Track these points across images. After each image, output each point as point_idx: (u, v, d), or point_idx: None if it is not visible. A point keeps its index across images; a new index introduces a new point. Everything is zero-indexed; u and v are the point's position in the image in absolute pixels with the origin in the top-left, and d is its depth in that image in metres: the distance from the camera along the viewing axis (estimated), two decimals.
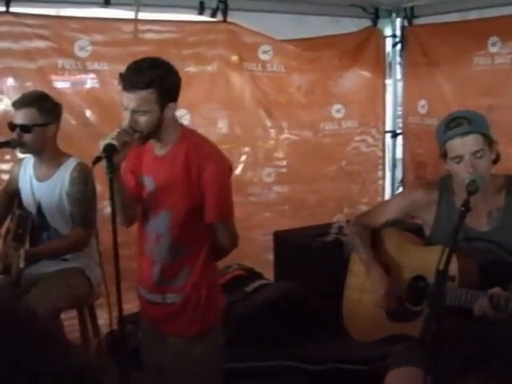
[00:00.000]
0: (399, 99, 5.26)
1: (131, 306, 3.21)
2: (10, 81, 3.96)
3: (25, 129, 3.07)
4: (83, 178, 3.13)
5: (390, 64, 5.21)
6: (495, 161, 2.43)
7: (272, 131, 4.85)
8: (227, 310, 2.69)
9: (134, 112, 2.29)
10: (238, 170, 4.62)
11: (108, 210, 2.69)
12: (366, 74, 5.10)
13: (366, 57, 5.01)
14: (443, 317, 1.92)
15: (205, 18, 4.35)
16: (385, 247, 2.69)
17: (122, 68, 2.36)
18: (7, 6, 3.76)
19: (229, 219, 2.48)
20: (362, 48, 4.98)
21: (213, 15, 4.34)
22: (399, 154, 5.39)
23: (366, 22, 4.98)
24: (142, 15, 4.13)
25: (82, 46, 4.00)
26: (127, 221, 2.56)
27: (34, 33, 3.90)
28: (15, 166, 3.38)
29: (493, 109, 4.04)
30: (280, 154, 4.91)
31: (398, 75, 5.22)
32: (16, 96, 3.30)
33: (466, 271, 2.32)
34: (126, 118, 2.32)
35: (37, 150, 3.17)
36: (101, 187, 3.34)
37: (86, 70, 4.07)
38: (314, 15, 4.69)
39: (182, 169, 2.38)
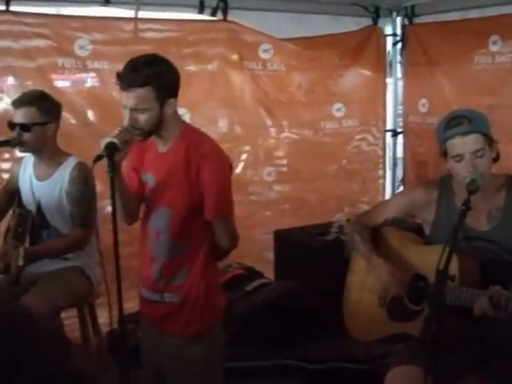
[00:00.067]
0: (400, 98, 5.26)
1: (132, 304, 3.20)
2: (10, 80, 3.96)
3: (24, 128, 3.07)
4: (83, 177, 3.13)
5: (391, 63, 5.20)
6: (495, 160, 2.43)
7: (272, 130, 4.84)
8: (227, 309, 2.68)
9: (133, 110, 2.29)
10: (238, 169, 4.62)
11: (109, 208, 2.68)
12: (367, 72, 5.10)
13: (366, 56, 5.01)
14: (443, 316, 1.92)
15: (205, 16, 4.34)
16: (385, 246, 2.69)
17: (123, 67, 2.35)
18: (7, 4, 3.75)
19: (228, 218, 2.48)
20: (363, 47, 4.98)
21: (213, 14, 4.34)
22: (400, 153, 5.38)
23: (366, 21, 4.98)
24: (142, 14, 4.13)
25: (82, 44, 3.99)
26: (128, 218, 2.55)
27: (34, 32, 3.89)
28: (15, 165, 3.38)
29: (493, 108, 4.03)
30: (280, 153, 4.91)
31: (399, 74, 5.22)
32: (16, 95, 3.30)
33: (466, 271, 2.32)
34: (126, 117, 2.31)
35: (36, 149, 3.17)
36: (101, 186, 3.34)
37: (86, 69, 4.06)
38: (315, 14, 4.69)
39: (182, 166, 2.38)
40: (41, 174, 3.22)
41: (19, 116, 3.08)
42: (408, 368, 2.32)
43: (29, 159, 3.28)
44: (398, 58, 5.15)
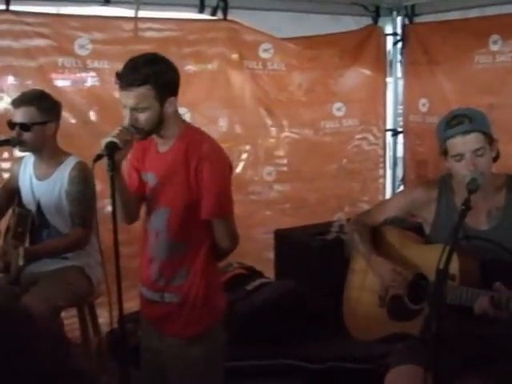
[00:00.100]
0: (400, 97, 5.26)
1: (132, 304, 3.20)
2: (11, 79, 3.96)
3: (24, 127, 3.07)
4: (82, 177, 3.13)
5: (391, 62, 5.20)
6: (495, 159, 2.43)
7: (272, 130, 4.85)
8: (228, 308, 2.68)
9: (133, 110, 2.29)
10: (238, 169, 4.62)
11: (108, 208, 2.68)
12: (367, 72, 5.10)
13: (366, 55, 5.01)
14: (444, 315, 1.91)
15: (205, 16, 4.34)
16: (385, 246, 2.69)
17: (122, 66, 2.35)
18: (7, 4, 3.76)
19: (228, 218, 2.47)
20: (363, 46, 4.98)
21: (213, 13, 4.34)
22: (400, 152, 5.38)
23: (366, 20, 4.98)
24: (142, 13, 4.13)
25: (82, 44, 3.99)
26: (128, 218, 2.55)
27: (34, 31, 3.89)
28: (15, 165, 3.38)
29: (494, 107, 4.03)
30: (281, 153, 4.91)
31: (399, 73, 5.22)
32: (16, 94, 3.30)
33: (466, 270, 2.32)
34: (126, 116, 2.31)
35: (36, 149, 3.17)
36: (101, 185, 3.34)
37: (86, 69, 4.07)
38: (315, 13, 4.69)
39: (182, 165, 2.38)
40: (41, 174, 3.22)
41: (19, 115, 3.08)
42: (408, 367, 2.32)
43: (29, 159, 3.28)
44: (399, 57, 5.15)
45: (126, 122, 2.30)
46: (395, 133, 5.30)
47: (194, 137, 2.43)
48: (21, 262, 2.99)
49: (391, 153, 5.35)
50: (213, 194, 2.38)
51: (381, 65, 5.13)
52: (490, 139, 2.38)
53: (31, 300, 2.93)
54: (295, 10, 4.58)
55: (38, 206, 3.21)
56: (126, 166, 2.52)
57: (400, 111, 5.32)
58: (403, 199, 2.74)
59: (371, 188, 5.31)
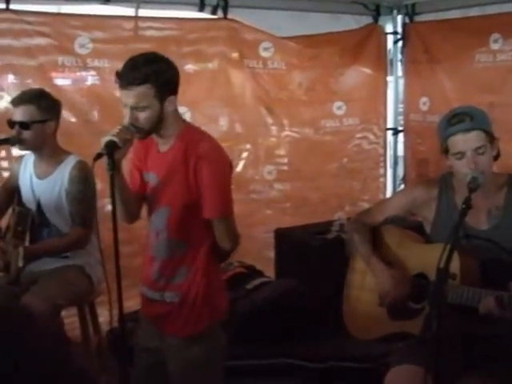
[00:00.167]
0: (400, 96, 5.25)
1: (132, 303, 3.20)
2: (11, 78, 3.97)
3: (24, 126, 3.07)
4: (83, 176, 3.12)
5: (392, 61, 5.19)
6: (495, 158, 2.42)
7: (273, 128, 4.84)
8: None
9: (133, 109, 2.29)
10: (238, 168, 4.62)
11: (108, 207, 2.68)
12: (367, 71, 5.09)
13: (367, 54, 5.00)
14: (444, 315, 1.91)
15: (205, 15, 4.34)
16: (385, 245, 2.69)
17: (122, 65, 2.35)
18: (7, 3, 3.76)
19: (228, 217, 2.46)
20: (363, 45, 4.97)
21: (213, 12, 4.34)
22: (401, 151, 5.38)
23: (367, 19, 4.97)
24: (143, 12, 4.13)
25: (83, 43, 3.99)
26: (128, 217, 2.55)
27: (35, 30, 3.90)
28: (15, 163, 3.38)
29: (494, 106, 4.03)
30: (281, 152, 4.90)
31: (400, 72, 5.21)
32: (16, 93, 3.30)
33: (467, 269, 2.31)
34: (126, 115, 2.31)
35: (36, 147, 3.17)
36: (101, 184, 3.34)
37: (86, 67, 4.07)
38: (315, 12, 4.68)
39: (181, 165, 2.38)
40: (41, 173, 3.22)
41: (18, 114, 3.08)
42: (408, 367, 2.32)
43: (29, 157, 3.28)
44: (399, 56, 5.14)
45: (126, 120, 2.30)
46: (396, 132, 5.29)
47: (193, 136, 2.43)
48: (20, 263, 2.99)
49: (392, 152, 5.35)
50: (213, 193, 2.38)
51: (381, 64, 5.12)
52: (491, 137, 2.38)
53: (31, 299, 2.93)
54: (295, 9, 4.58)
55: (38, 205, 3.21)
56: (127, 165, 2.52)
57: (400, 110, 5.31)
58: (404, 198, 2.73)
59: (372, 187, 5.31)
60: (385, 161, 5.34)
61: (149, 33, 4.20)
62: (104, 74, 4.08)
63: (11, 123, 3.09)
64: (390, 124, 5.29)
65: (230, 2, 4.32)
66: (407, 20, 4.99)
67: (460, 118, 2.35)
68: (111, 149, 2.21)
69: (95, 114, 4.14)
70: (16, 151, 3.44)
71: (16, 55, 3.87)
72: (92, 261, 3.26)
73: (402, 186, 5.26)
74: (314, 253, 4.09)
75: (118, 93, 2.36)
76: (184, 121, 2.52)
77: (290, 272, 4.12)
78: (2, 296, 3.03)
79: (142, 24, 4.16)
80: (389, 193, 5.32)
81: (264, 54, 4.61)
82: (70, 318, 3.56)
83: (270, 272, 4.28)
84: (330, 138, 5.04)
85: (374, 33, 5.01)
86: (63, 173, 3.17)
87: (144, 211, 2.59)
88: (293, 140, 4.90)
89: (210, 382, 2.56)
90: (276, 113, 4.78)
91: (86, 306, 3.40)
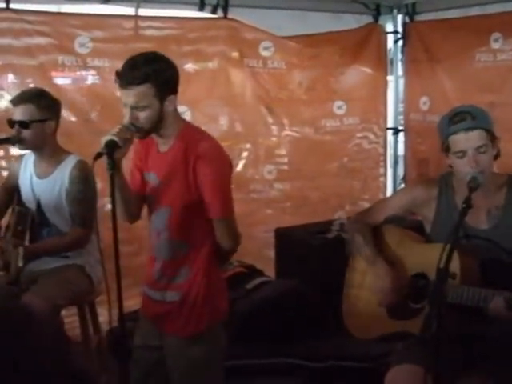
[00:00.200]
0: (401, 96, 5.24)
1: (132, 302, 3.21)
2: (11, 77, 3.97)
3: (23, 125, 3.07)
4: (83, 176, 3.12)
5: (392, 60, 5.19)
6: (495, 157, 2.42)
7: (273, 128, 4.84)
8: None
9: (133, 108, 2.28)
10: (239, 167, 4.62)
11: (108, 206, 2.68)
12: (368, 70, 5.09)
13: (367, 53, 5.00)
14: (444, 315, 1.91)
15: (205, 14, 4.34)
16: (385, 244, 2.68)
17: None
18: (7, 2, 3.76)
19: (228, 217, 2.46)
20: (364, 44, 4.97)
21: (213, 11, 4.33)
22: (401, 150, 5.37)
23: (367, 19, 4.97)
24: (143, 11, 4.14)
25: (83, 42, 3.99)
26: (129, 217, 2.55)
27: (35, 29, 3.90)
28: (16, 163, 3.38)
29: (495, 105, 4.02)
30: (281, 151, 4.90)
31: (400, 72, 5.21)
32: (16, 93, 3.30)
33: (467, 269, 2.31)
34: (126, 115, 2.31)
35: (36, 147, 3.17)
36: (101, 184, 3.34)
37: (86, 67, 4.07)
38: (315, 11, 4.68)
39: (181, 165, 2.37)
40: (41, 172, 3.22)
41: (18, 113, 3.08)
42: (408, 367, 2.32)
43: (29, 157, 3.27)
44: (399, 55, 5.14)
45: (126, 120, 2.30)
46: (396, 131, 5.29)
47: (193, 136, 2.42)
48: (20, 263, 2.98)
49: (392, 151, 5.35)
50: (214, 193, 2.38)
51: (381, 63, 5.12)
52: (492, 137, 2.37)
53: (31, 298, 2.93)
54: (295, 8, 4.58)
55: (38, 205, 3.21)
56: (128, 165, 2.52)
57: (401, 109, 5.31)
58: (404, 197, 2.73)
59: (372, 186, 5.30)
60: (385, 160, 5.34)
61: (149, 32, 4.19)
62: (104, 73, 4.07)
63: (11, 123, 3.09)
64: (390, 123, 5.29)
65: (230, 2, 4.32)
66: (407, 19, 4.99)
67: (462, 117, 2.35)
68: (111, 148, 2.21)
69: (95, 114, 4.14)
70: (14, 150, 3.43)
71: (16, 55, 3.87)
72: (92, 260, 3.25)
73: (403, 186, 5.25)
74: (314, 252, 4.09)
75: (118, 92, 2.37)
76: (183, 120, 2.52)
77: (290, 272, 4.12)
78: (2, 295, 3.02)
79: (141, 23, 4.16)
80: (389, 192, 5.32)
81: (264, 54, 4.60)
82: (70, 318, 3.57)
83: (270, 271, 4.27)
84: (330, 137, 5.04)
85: (374, 32, 5.01)
86: (63, 172, 3.16)
87: (145, 211, 2.59)
88: (293, 139, 4.89)
89: (211, 381, 2.56)
90: (276, 112, 4.78)
91: (86, 305, 3.40)
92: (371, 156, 5.26)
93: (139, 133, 2.33)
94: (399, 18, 5.05)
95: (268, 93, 4.71)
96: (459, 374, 2.28)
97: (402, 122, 5.30)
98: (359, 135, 5.16)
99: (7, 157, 3.80)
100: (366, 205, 4.81)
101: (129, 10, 4.10)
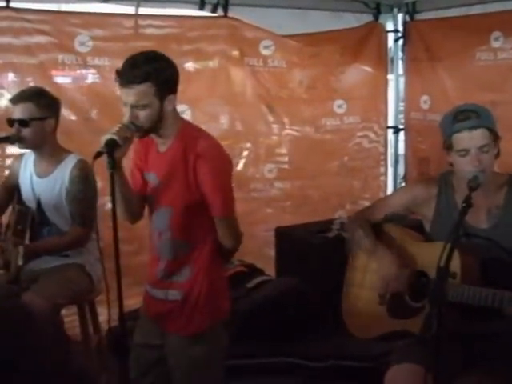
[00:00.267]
0: (401, 94, 5.24)
1: (133, 301, 3.21)
2: (11, 76, 3.97)
3: (22, 123, 3.07)
4: (83, 176, 3.11)
5: (392, 59, 5.19)
6: (495, 156, 2.42)
7: (274, 127, 4.84)
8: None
9: (133, 107, 2.28)
10: (239, 166, 4.62)
11: (109, 205, 2.68)
12: (368, 69, 5.09)
13: (367, 52, 5.00)
14: (444, 314, 1.91)
15: (205, 13, 4.34)
16: (385, 243, 2.68)
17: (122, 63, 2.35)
18: (7, 1, 3.76)
19: (230, 216, 2.46)
20: (364, 43, 4.97)
21: (213, 10, 4.33)
22: (401, 149, 5.37)
23: (367, 17, 4.97)
24: (143, 10, 4.13)
25: (83, 41, 3.99)
26: (131, 217, 2.55)
27: (35, 28, 3.90)
28: (16, 162, 3.38)
29: (495, 104, 4.01)
30: (282, 150, 4.90)
31: (400, 70, 5.21)
32: (17, 91, 3.30)
33: (468, 268, 2.30)
34: (126, 114, 2.31)
35: (36, 145, 3.16)
36: (101, 183, 3.34)
37: (86, 66, 4.07)
38: (316, 10, 4.68)
39: (180, 164, 2.37)
40: (41, 171, 3.21)
41: (17, 112, 3.08)
42: (408, 366, 2.31)
43: (29, 156, 3.27)
44: (400, 54, 5.13)
45: (126, 119, 2.30)
46: (396, 130, 5.29)
47: (191, 135, 2.42)
48: (20, 262, 2.98)
49: (392, 150, 5.35)
50: (214, 192, 2.38)
51: (382, 62, 5.12)
52: (494, 136, 2.37)
53: (31, 297, 2.92)
54: (296, 7, 4.58)
55: (38, 204, 3.20)
56: (129, 164, 2.52)
57: (401, 108, 5.30)
58: (404, 196, 2.73)
59: (372, 186, 5.30)
60: (385, 159, 5.34)
61: (149, 31, 4.19)
62: (104, 72, 4.07)
63: (10, 121, 3.09)
64: (390, 122, 5.29)
65: (230, 0, 4.32)
66: (408, 18, 4.99)
67: (466, 115, 2.35)
68: (111, 147, 2.21)
69: (95, 113, 4.14)
70: (10, 149, 3.43)
71: (16, 53, 3.87)
72: (92, 259, 3.25)
73: (403, 185, 5.25)
74: (314, 251, 4.09)
75: (118, 91, 2.36)
76: (182, 120, 2.52)
77: (291, 270, 4.12)
78: (2, 295, 3.02)
79: (142, 22, 4.16)
80: (389, 191, 5.31)
81: (264, 52, 4.60)
82: (70, 317, 3.56)
83: (270, 270, 4.27)
84: (330, 136, 5.03)
85: (374, 31, 5.00)
86: (64, 172, 3.16)
87: (145, 211, 2.59)
88: (293, 138, 4.89)
89: (211, 381, 2.56)
90: (276, 111, 4.78)
91: (86, 304, 3.40)
92: (372, 155, 5.26)
93: (139, 132, 2.32)
94: (399, 16, 5.04)
95: (268, 92, 4.71)
96: (459, 373, 2.28)
97: (403, 120, 5.30)
98: (360, 134, 5.16)
99: (2, 156, 3.79)
100: (367, 204, 4.78)
101: (129, 9, 4.10)
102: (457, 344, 2.29)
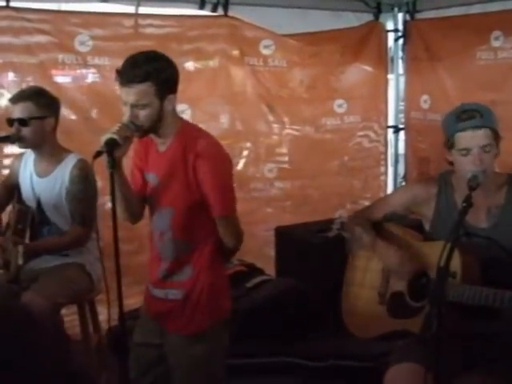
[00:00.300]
0: (401, 94, 5.24)
1: (133, 301, 3.22)
2: (11, 75, 3.97)
3: (22, 122, 3.07)
4: (83, 176, 3.11)
5: (393, 59, 5.19)
6: (495, 156, 2.42)
7: (274, 126, 4.83)
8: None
9: (133, 106, 2.28)
10: (239, 166, 4.62)
11: (109, 205, 2.68)
12: (368, 68, 5.08)
13: (368, 51, 4.99)
14: (445, 313, 1.91)
15: (206, 12, 4.34)
16: (386, 240, 2.67)
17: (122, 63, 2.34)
18: (7, 0, 3.76)
19: (230, 215, 2.46)
20: (364, 42, 4.96)
21: (214, 10, 4.33)
22: (401, 149, 5.37)
23: (368, 17, 4.96)
24: (143, 10, 4.13)
25: (83, 40, 3.99)
26: (131, 217, 2.55)
27: (35, 27, 3.90)
28: (16, 161, 3.38)
29: (496, 104, 3.99)
30: (282, 150, 4.90)
31: (401, 70, 5.20)
32: (17, 91, 3.30)
33: (468, 267, 2.31)
34: (126, 113, 2.31)
35: (36, 145, 3.16)
36: (101, 182, 3.34)
37: (86, 65, 4.07)
38: (316, 9, 4.68)
39: (180, 164, 2.37)
40: (41, 171, 3.21)
41: (17, 111, 3.08)
42: (408, 365, 2.31)
43: (29, 155, 3.27)
44: (400, 53, 5.13)
45: (126, 118, 2.30)
46: (397, 129, 5.28)
47: (191, 134, 2.42)
48: (20, 262, 2.98)
49: (393, 150, 5.35)
50: (214, 191, 2.38)
51: (382, 61, 5.11)
52: (496, 136, 2.37)
53: (31, 297, 2.93)
54: (296, 6, 4.57)
55: (38, 203, 3.20)
56: (129, 165, 2.52)
57: (401, 108, 5.30)
58: (404, 195, 2.73)
59: (373, 185, 5.30)
60: (386, 159, 5.34)
61: (149, 30, 4.19)
62: (104, 71, 4.07)
63: (10, 121, 3.09)
64: (390, 122, 5.29)
65: (230, 0, 4.31)
66: (408, 17, 4.98)
67: (470, 115, 2.35)
68: (111, 147, 2.21)
69: (95, 112, 4.14)
70: (8, 149, 3.42)
71: (16, 53, 3.87)
72: (92, 259, 3.25)
73: (403, 184, 5.25)
74: (314, 251, 4.08)
75: (118, 90, 2.36)
76: (181, 119, 2.52)
77: (291, 270, 4.11)
78: (2, 294, 3.02)
79: (142, 21, 4.15)
80: (390, 191, 5.31)
81: (265, 52, 4.60)
82: (70, 316, 3.56)
83: (270, 270, 4.27)
84: (330, 135, 5.03)
85: (374, 30, 5.00)
86: (64, 171, 3.16)
87: (146, 211, 2.59)
88: (293, 138, 4.89)
89: (212, 380, 2.55)
90: (277, 110, 4.78)
91: (86, 304, 3.39)
92: (372, 154, 5.26)
93: (138, 131, 2.32)
94: (400, 16, 5.04)
95: (269, 91, 4.70)
96: (459, 373, 2.28)
97: (403, 120, 5.29)
98: (360, 134, 5.16)
99: (1, 155, 3.80)
100: (367, 203, 4.78)
101: (129, 8, 4.10)
102: (457, 344, 2.29)
